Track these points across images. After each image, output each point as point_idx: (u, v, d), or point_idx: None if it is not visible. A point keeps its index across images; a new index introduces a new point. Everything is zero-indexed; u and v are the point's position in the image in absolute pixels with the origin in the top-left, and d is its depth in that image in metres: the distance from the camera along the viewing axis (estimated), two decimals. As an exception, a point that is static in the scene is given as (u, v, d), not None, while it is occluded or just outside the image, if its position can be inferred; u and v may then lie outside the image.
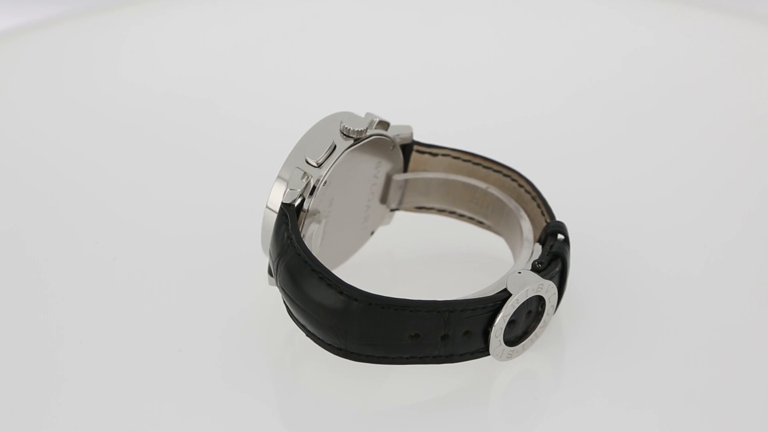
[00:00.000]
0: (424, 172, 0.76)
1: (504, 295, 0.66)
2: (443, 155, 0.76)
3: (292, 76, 0.97)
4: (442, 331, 0.66)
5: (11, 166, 0.86)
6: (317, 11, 1.03)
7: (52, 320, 0.72)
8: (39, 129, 0.90)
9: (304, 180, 0.69)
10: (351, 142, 0.70)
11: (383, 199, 0.76)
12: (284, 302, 0.69)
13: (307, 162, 0.69)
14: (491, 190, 0.75)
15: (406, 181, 0.76)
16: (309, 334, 0.68)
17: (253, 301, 0.74)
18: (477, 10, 1.01)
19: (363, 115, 0.72)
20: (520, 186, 0.74)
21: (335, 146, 0.70)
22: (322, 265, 0.66)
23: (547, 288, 0.67)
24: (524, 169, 0.76)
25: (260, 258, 0.73)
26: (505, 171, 0.75)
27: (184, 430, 0.67)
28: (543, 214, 0.73)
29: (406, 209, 0.78)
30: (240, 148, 0.89)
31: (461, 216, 0.77)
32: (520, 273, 0.67)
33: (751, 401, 0.67)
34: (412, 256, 0.79)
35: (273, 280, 0.71)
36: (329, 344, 0.67)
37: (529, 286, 0.66)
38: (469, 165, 0.76)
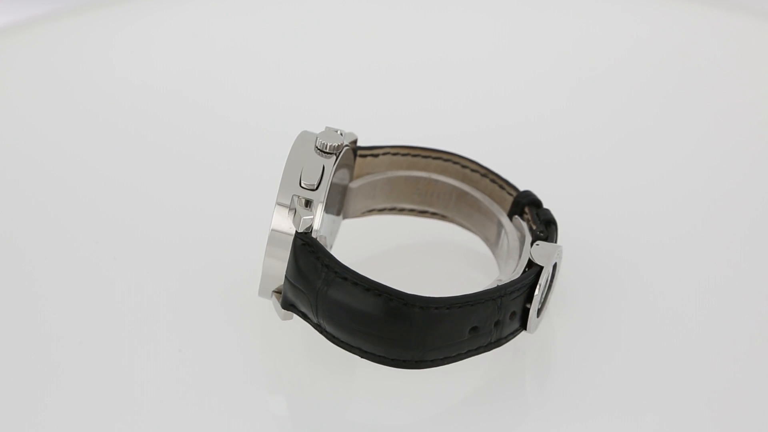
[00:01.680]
0: (369, 175, 0.76)
1: (536, 269, 0.69)
2: (383, 154, 0.76)
3: (290, 77, 0.95)
4: (496, 318, 0.68)
5: (9, 166, 0.85)
6: (316, 10, 1.00)
7: (52, 320, 0.72)
8: (35, 128, 0.88)
9: (309, 205, 0.67)
10: (333, 158, 0.69)
11: (339, 210, 0.76)
12: (325, 332, 0.68)
13: (303, 187, 0.68)
14: (434, 177, 0.77)
15: (359, 187, 0.76)
16: (366, 354, 0.67)
17: (253, 301, 0.72)
18: (476, 10, 1.01)
19: (324, 129, 0.71)
20: (464, 167, 0.77)
21: (324, 166, 0.69)
22: (373, 280, 0.65)
23: (561, 253, 0.71)
24: (520, 172, 0.78)
25: (258, 257, 0.71)
26: (444, 156, 0.77)
27: (183, 428, 0.67)
28: (503, 188, 0.76)
29: (356, 216, 0.77)
30: (238, 150, 0.87)
31: (401, 210, 0.78)
32: (538, 245, 0.70)
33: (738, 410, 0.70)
34: (360, 259, 0.78)
35: (288, 314, 0.69)
36: (392, 359, 0.67)
37: (552, 255, 0.69)
38: (409, 158, 0.77)
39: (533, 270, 0.69)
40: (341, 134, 0.70)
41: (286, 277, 0.68)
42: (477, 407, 0.70)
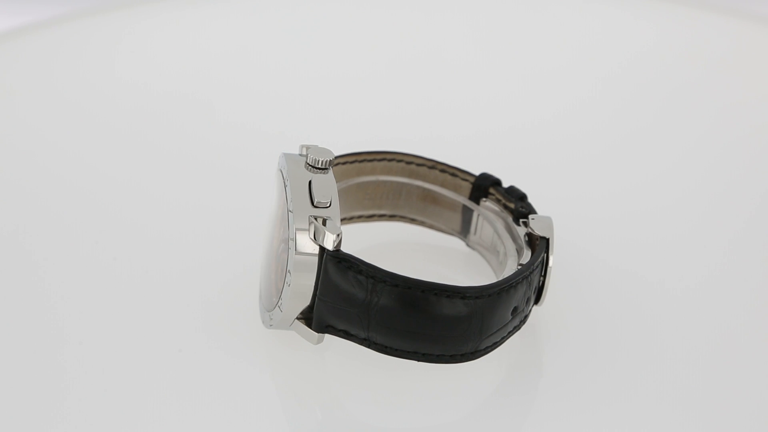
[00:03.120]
0: None
1: (545, 243, 0.71)
2: (334, 165, 0.75)
3: (289, 78, 0.96)
4: (528, 295, 0.69)
5: (10, 167, 0.86)
6: (315, 12, 0.98)
7: (52, 320, 0.72)
8: (37, 129, 0.90)
9: (324, 224, 0.66)
10: (330, 172, 0.68)
11: None
12: (374, 345, 0.66)
13: (317, 206, 0.66)
14: (381, 178, 0.77)
15: None
16: (424, 357, 0.67)
17: (253, 299, 0.72)
18: (474, 13, 0.99)
19: (299, 147, 0.70)
20: (409, 163, 0.77)
21: (329, 182, 0.68)
22: (423, 281, 0.65)
23: None
24: (513, 174, 0.78)
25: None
26: (389, 156, 0.77)
27: (183, 428, 0.66)
28: (455, 176, 0.77)
29: None
30: (237, 150, 0.88)
31: (351, 219, 0.78)
32: (533, 219, 0.72)
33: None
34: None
35: (322, 337, 0.67)
36: (451, 356, 0.67)
37: (551, 225, 0.72)
38: (357, 165, 0.76)
39: (542, 243, 0.71)
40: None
41: (318, 298, 0.66)
42: (510, 399, 0.70)
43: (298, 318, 0.67)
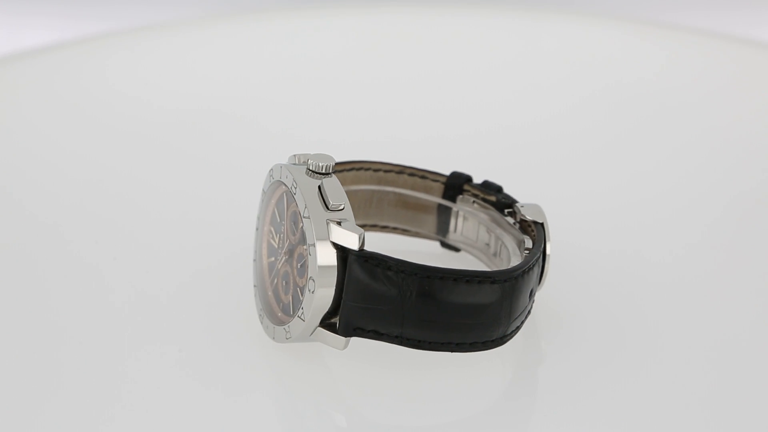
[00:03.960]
0: None
1: (541, 227, 0.72)
2: None
3: (286, 80, 0.98)
4: (538, 277, 0.70)
5: (14, 168, 0.88)
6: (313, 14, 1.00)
7: (53, 320, 0.71)
8: (43, 132, 0.93)
9: (347, 224, 0.65)
10: (334, 176, 0.68)
11: None
12: (407, 341, 0.66)
13: (331, 209, 0.66)
14: (352, 188, 0.76)
15: None
16: (458, 347, 0.66)
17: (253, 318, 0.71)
18: (476, 20, 0.98)
19: (289, 157, 0.69)
20: (376, 171, 0.77)
21: (337, 184, 0.67)
22: (451, 269, 0.65)
23: None
24: (508, 174, 0.78)
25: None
26: (357, 166, 0.76)
27: (184, 428, 0.66)
28: (425, 178, 0.77)
29: None
30: (237, 150, 0.91)
31: (323, 233, 0.76)
32: (522, 206, 0.73)
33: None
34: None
35: (347, 341, 0.66)
36: (483, 342, 0.67)
37: (541, 210, 0.73)
38: None
39: (540, 228, 0.71)
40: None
41: (344, 301, 0.65)
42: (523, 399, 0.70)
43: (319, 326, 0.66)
